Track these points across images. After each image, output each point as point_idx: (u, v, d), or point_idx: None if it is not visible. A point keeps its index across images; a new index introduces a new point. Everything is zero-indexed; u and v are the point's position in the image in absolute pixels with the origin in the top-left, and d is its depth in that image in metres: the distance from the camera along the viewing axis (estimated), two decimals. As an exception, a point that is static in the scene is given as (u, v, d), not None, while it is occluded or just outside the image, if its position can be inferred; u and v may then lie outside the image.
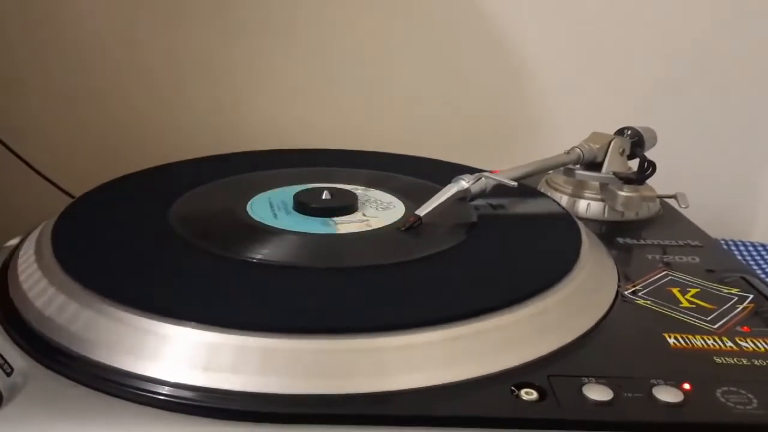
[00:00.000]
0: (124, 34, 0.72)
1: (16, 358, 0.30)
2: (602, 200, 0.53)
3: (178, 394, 0.28)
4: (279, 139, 0.74)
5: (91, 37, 0.71)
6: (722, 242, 0.68)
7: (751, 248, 0.68)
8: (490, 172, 0.48)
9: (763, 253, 0.67)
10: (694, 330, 0.35)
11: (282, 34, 0.73)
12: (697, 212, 0.53)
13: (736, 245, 0.69)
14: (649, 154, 0.54)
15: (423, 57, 0.75)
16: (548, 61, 0.75)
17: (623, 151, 0.54)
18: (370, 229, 0.42)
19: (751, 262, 0.66)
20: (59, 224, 0.40)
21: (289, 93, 0.75)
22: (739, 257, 0.67)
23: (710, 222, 0.55)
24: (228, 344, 0.30)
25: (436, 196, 0.44)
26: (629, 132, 0.55)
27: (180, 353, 0.30)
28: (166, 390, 0.28)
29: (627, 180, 0.52)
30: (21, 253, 0.39)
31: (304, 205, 0.44)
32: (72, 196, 0.54)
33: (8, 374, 0.29)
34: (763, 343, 0.34)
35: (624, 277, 0.41)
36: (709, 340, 0.34)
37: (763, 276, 0.62)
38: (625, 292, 0.39)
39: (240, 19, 0.72)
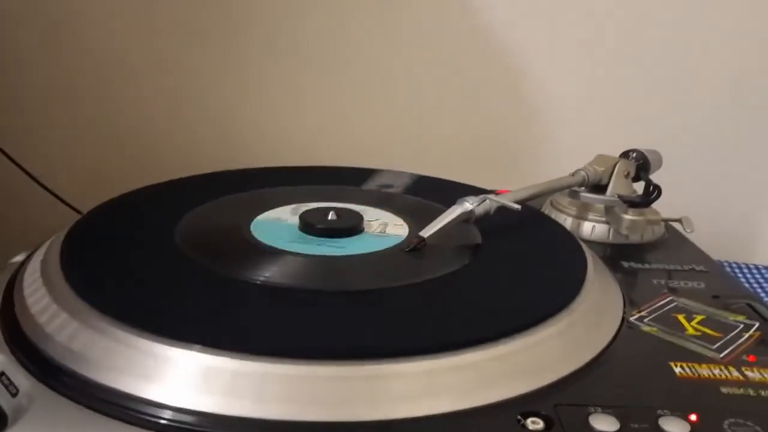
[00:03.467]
0: (134, 52, 0.72)
1: (21, 379, 0.30)
2: (607, 223, 0.53)
3: (180, 419, 0.28)
4: (286, 155, 0.75)
5: (101, 56, 0.72)
6: (726, 264, 0.68)
7: (755, 271, 0.68)
8: (495, 192, 0.48)
9: (767, 275, 0.67)
10: (701, 359, 0.35)
11: (289, 52, 0.74)
12: (701, 234, 0.53)
13: (740, 268, 0.69)
14: (654, 176, 0.54)
15: (428, 76, 0.75)
16: (554, 83, 0.76)
17: (628, 173, 0.54)
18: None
19: (755, 285, 0.66)
20: (67, 242, 0.40)
21: (296, 110, 0.76)
22: (743, 280, 0.67)
23: (714, 244, 0.55)
24: (231, 369, 0.29)
25: (440, 217, 0.44)
26: (634, 155, 0.55)
27: (183, 377, 0.29)
28: (168, 414, 0.28)
29: (632, 203, 0.52)
30: (27, 269, 0.39)
31: (311, 226, 0.44)
32: (78, 211, 0.54)
33: (13, 395, 0.29)
34: (770, 373, 0.34)
35: (629, 302, 0.41)
36: (715, 369, 0.34)
37: (766, 299, 0.62)
38: (631, 318, 0.39)
39: (249, 37, 0.73)
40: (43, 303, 0.34)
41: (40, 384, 0.30)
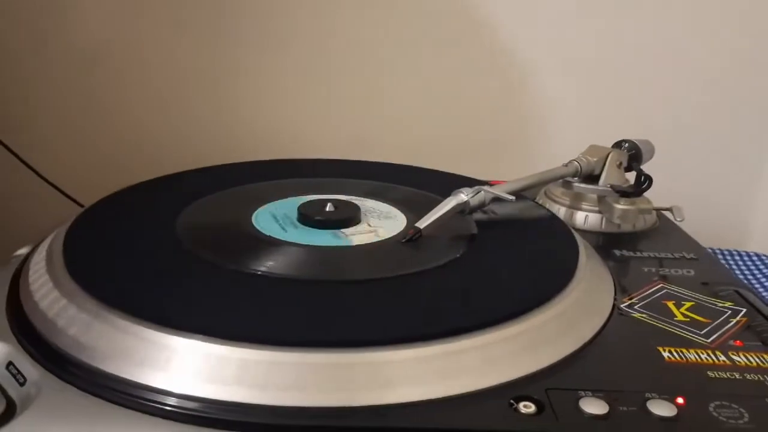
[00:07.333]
0: (129, 47, 0.73)
1: (29, 368, 0.31)
2: (599, 212, 0.54)
3: (185, 405, 0.29)
4: (280, 148, 0.75)
5: (98, 50, 0.72)
6: (718, 252, 0.69)
7: (746, 258, 0.69)
8: (490, 183, 0.49)
9: (758, 263, 0.68)
10: (689, 344, 0.36)
11: (283, 46, 0.74)
12: (693, 223, 0.54)
13: (732, 255, 0.70)
14: (647, 166, 0.55)
15: (423, 67, 0.76)
16: (547, 74, 0.76)
17: (620, 164, 0.55)
18: (379, 240, 0.43)
19: (746, 272, 0.67)
20: (70, 235, 0.41)
21: (289, 103, 0.76)
22: (735, 267, 0.67)
23: (706, 232, 0.56)
24: (233, 357, 0.30)
25: (436, 209, 0.45)
26: (627, 145, 0.56)
27: (187, 365, 0.30)
28: (172, 401, 0.29)
29: (624, 193, 0.52)
30: (32, 262, 0.40)
31: (309, 218, 0.45)
32: (80, 204, 0.54)
33: (21, 384, 0.30)
34: (755, 358, 0.35)
35: (620, 290, 0.42)
36: (702, 354, 0.35)
37: (757, 286, 0.63)
38: (622, 305, 0.40)
39: (243, 31, 0.73)
40: (51, 296, 0.35)
41: (47, 372, 0.31)
